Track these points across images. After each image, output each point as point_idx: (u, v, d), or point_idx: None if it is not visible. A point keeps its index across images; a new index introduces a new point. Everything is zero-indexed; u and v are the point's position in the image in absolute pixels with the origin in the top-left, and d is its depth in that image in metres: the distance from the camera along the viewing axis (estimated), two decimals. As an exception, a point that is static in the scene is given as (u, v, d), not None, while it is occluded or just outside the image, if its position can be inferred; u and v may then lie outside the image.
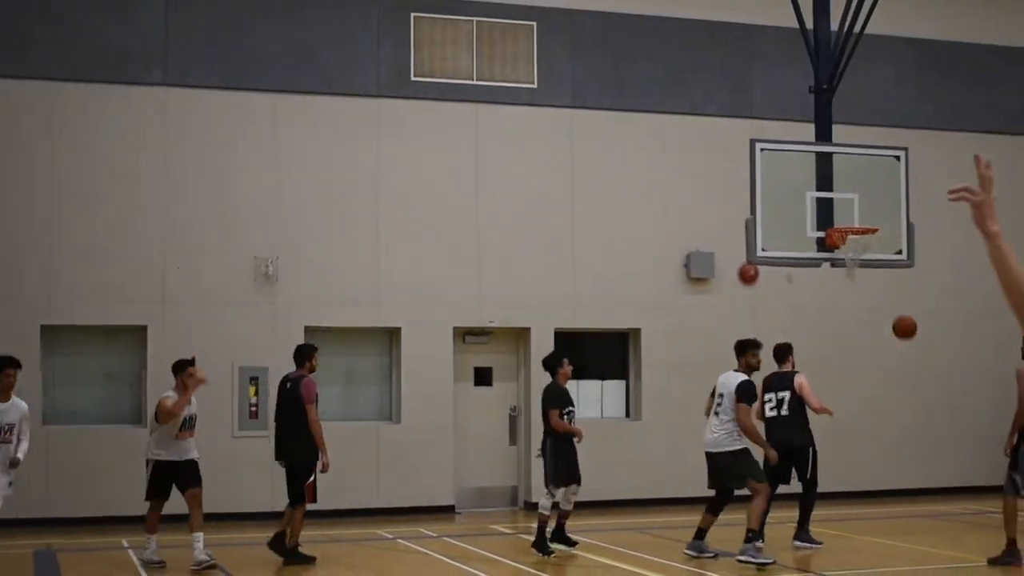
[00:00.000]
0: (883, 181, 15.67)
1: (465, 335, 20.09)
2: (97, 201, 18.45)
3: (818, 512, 15.51)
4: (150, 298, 18.48)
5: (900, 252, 15.71)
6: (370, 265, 19.40)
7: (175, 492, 14.04)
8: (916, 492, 21.30)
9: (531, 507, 15.31)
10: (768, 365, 15.50)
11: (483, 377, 20.31)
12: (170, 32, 18.90)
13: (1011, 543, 13.52)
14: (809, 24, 16.88)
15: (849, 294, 20.22)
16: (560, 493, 14.57)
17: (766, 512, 14.05)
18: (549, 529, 14.51)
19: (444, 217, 19.79)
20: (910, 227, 15.60)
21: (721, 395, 14.12)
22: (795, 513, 15.37)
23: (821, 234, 15.26)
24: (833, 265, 15.69)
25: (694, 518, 14.57)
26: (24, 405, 12.48)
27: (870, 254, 15.35)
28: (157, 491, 14.09)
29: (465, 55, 20.13)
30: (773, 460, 14.31)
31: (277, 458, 14.51)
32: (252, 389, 18.49)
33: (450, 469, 19.62)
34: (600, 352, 21.05)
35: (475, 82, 20.13)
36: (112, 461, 17.99)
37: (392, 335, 19.74)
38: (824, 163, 15.51)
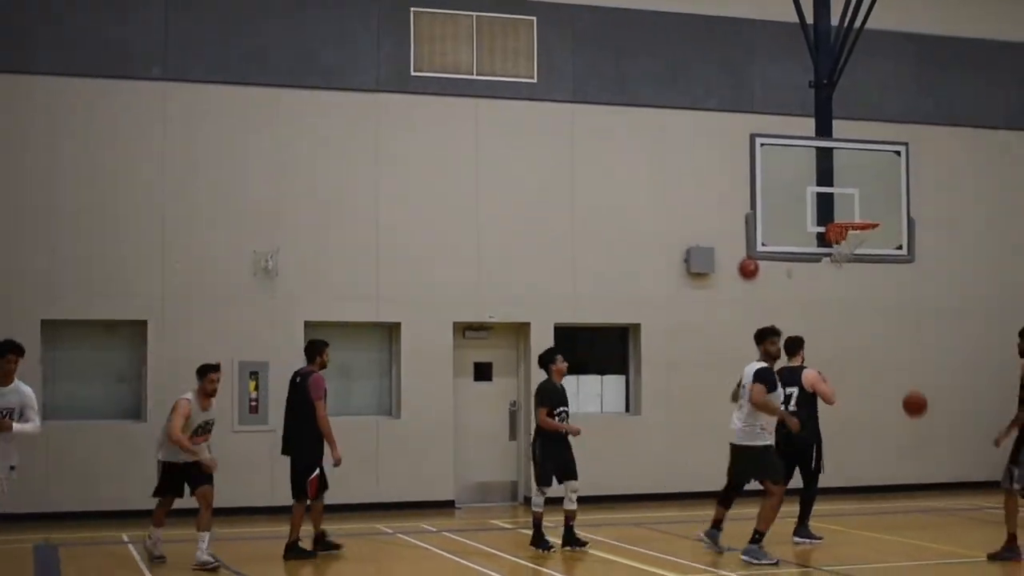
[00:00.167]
0: (883, 176, 15.67)
1: (465, 330, 20.09)
2: (97, 196, 18.45)
3: (817, 507, 15.50)
4: (150, 293, 18.49)
5: (900, 247, 15.72)
6: (370, 260, 19.40)
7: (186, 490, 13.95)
8: (915, 488, 21.31)
9: (531, 502, 15.31)
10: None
11: (483, 372, 20.31)
12: (170, 28, 18.88)
13: (1011, 539, 13.52)
14: (809, 19, 16.88)
15: (849, 289, 20.28)
16: (557, 491, 14.52)
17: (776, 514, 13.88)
18: (560, 526, 14.49)
19: (444, 212, 19.79)
20: (910, 222, 15.59)
21: (744, 386, 13.94)
22: (795, 508, 15.38)
23: (821, 229, 15.26)
24: (833, 260, 15.69)
25: (693, 513, 14.65)
26: (28, 390, 12.09)
27: (870, 249, 15.35)
28: (168, 489, 13.90)
29: (465, 50, 20.12)
30: (795, 428, 14.07)
31: (283, 452, 14.53)
32: (252, 384, 18.50)
33: (450, 464, 19.63)
34: (600, 347, 21.04)
35: (475, 77, 20.13)
36: (112, 456, 18.01)
37: (392, 330, 19.74)
38: (824, 158, 15.50)
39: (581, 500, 14.73)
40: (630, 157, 20.69)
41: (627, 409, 20.91)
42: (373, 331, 19.70)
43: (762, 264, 20.05)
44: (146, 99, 18.73)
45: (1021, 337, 13.55)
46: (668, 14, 21.06)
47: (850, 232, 14.95)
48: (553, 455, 14.53)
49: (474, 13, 20.15)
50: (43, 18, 18.39)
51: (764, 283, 20.80)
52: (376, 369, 19.79)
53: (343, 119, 19.47)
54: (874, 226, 15.23)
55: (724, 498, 14.33)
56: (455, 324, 19.83)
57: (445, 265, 19.68)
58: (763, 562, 13.35)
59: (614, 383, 20.92)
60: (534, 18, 20.39)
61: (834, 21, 16.92)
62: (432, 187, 19.78)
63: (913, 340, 21.83)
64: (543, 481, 14.55)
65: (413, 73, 19.86)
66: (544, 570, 13.57)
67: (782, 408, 14.17)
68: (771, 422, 14.17)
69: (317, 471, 14.20)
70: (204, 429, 13.69)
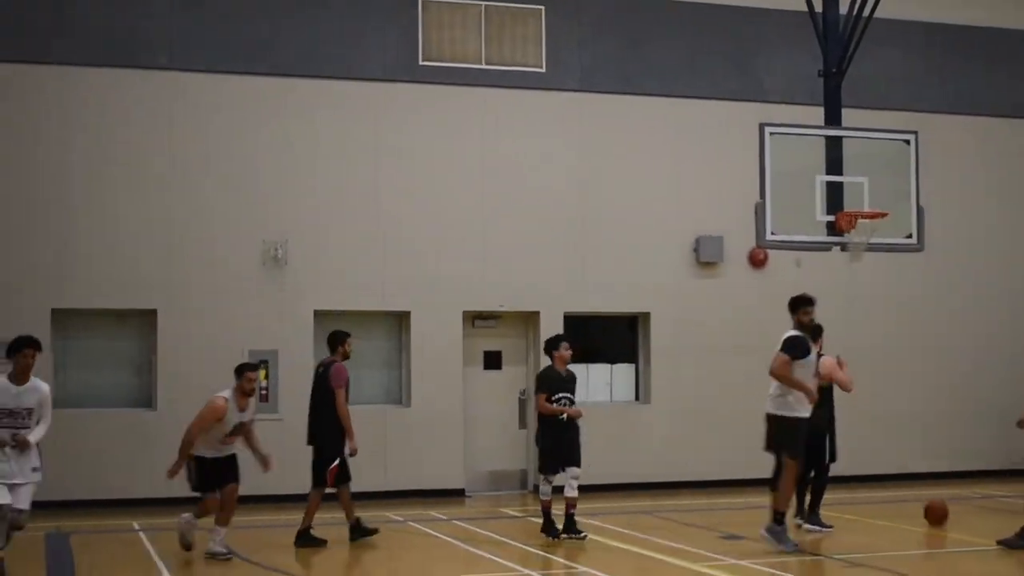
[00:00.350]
0: (893, 165, 15.67)
1: (474, 319, 20.12)
2: (107, 186, 18.49)
3: (829, 496, 15.52)
4: (160, 282, 18.53)
5: (910, 236, 15.73)
6: (379, 249, 19.42)
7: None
8: (926, 476, 21.29)
9: (539, 491, 15.34)
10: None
11: (492, 361, 20.34)
12: (178, 18, 18.90)
13: None
14: (818, 7, 16.88)
15: (858, 278, 20.28)
16: (561, 479, 14.48)
17: (794, 493, 13.72)
18: (564, 515, 14.50)
19: (453, 201, 19.81)
20: (920, 211, 15.60)
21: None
22: (806, 496, 15.40)
23: (831, 218, 15.28)
24: (843, 249, 15.69)
25: (702, 500, 14.63)
26: (45, 387, 11.80)
27: (880, 238, 15.35)
28: (209, 484, 13.46)
29: (473, 39, 20.12)
30: (810, 401, 13.36)
31: (309, 442, 14.60)
32: (262, 373, 18.52)
33: (460, 453, 19.67)
34: (609, 336, 21.06)
35: (483, 66, 20.13)
36: (122, 444, 18.09)
37: (401, 319, 19.77)
38: (834, 147, 15.52)
39: (591, 488, 14.75)
40: (639, 146, 20.69)
41: (636, 398, 20.93)
42: (382, 320, 19.72)
43: (771, 253, 20.06)
44: (154, 89, 18.76)
45: None
46: (677, 3, 21.05)
47: (859, 221, 14.93)
48: (554, 442, 14.50)
49: (482, 2, 20.15)
50: (53, 8, 18.41)
51: (773, 272, 20.80)
52: (385, 358, 19.81)
53: (351, 109, 19.49)
54: (883, 215, 15.24)
55: (774, 480, 13.99)
56: (464, 313, 19.85)
57: (454, 254, 19.70)
58: (780, 547, 13.21)
59: (623, 372, 20.94)
60: (542, 7, 20.38)
61: (843, 10, 16.92)
62: (441, 176, 19.80)
63: (923, 329, 21.81)
64: (545, 469, 14.54)
65: (421, 63, 19.87)
66: (554, 558, 13.59)
67: (804, 381, 13.39)
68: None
69: (338, 460, 14.26)
70: (239, 430, 13.43)
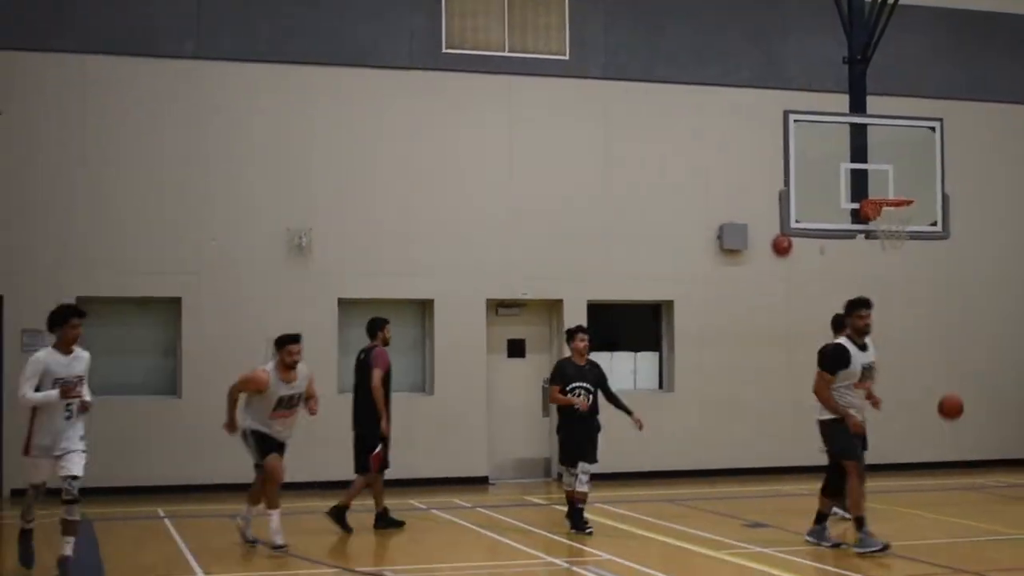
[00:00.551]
0: (918, 152, 15.61)
1: (498, 307, 20.12)
2: (131, 173, 18.54)
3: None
4: (184, 270, 18.58)
5: (935, 223, 15.66)
6: (403, 237, 19.44)
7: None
8: (951, 465, 21.22)
9: (562, 480, 15.34)
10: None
11: (516, 349, 20.35)
12: (202, 5, 18.93)
13: None
14: (843, -6, 16.79)
15: (883, 266, 20.15)
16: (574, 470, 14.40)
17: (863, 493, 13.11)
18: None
19: (477, 189, 19.81)
20: (945, 198, 15.53)
21: None
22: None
23: (855, 205, 15.23)
24: (867, 237, 15.62)
25: (726, 489, 14.62)
26: (86, 355, 11.67)
27: (904, 226, 15.29)
28: (271, 448, 13.11)
29: (497, 26, 20.10)
30: (853, 428, 12.92)
31: (354, 428, 14.73)
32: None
33: (483, 440, 19.69)
34: (633, 324, 21.05)
35: (507, 54, 20.11)
36: (147, 431, 18.16)
37: (425, 307, 19.79)
38: (858, 134, 15.46)
39: (615, 477, 14.75)
40: (663, 133, 20.65)
41: (660, 386, 20.91)
42: (406, 308, 19.74)
43: (795, 241, 19.99)
44: (178, 78, 18.80)
45: None
46: (701, -10, 21.02)
47: (889, 210, 14.86)
48: (569, 434, 14.42)
49: (506, -10, 20.16)
50: (77, -4, 18.48)
51: (797, 260, 20.76)
52: (409, 346, 19.83)
53: (375, 96, 19.50)
54: (909, 202, 15.18)
55: (825, 487, 13.57)
56: (488, 301, 19.86)
57: (478, 242, 19.71)
58: (871, 549, 12.63)
59: (647, 360, 20.92)
60: (566, -6, 20.39)
61: (868, -4, 16.83)
62: (465, 164, 19.80)
63: (947, 317, 21.74)
64: (563, 460, 14.51)
65: (445, 50, 19.86)
66: (578, 546, 13.60)
67: (836, 403, 12.91)
68: (857, 394, 13.14)
69: (380, 446, 14.37)
70: (288, 404, 13.14)
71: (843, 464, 13.04)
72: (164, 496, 17.36)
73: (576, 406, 14.22)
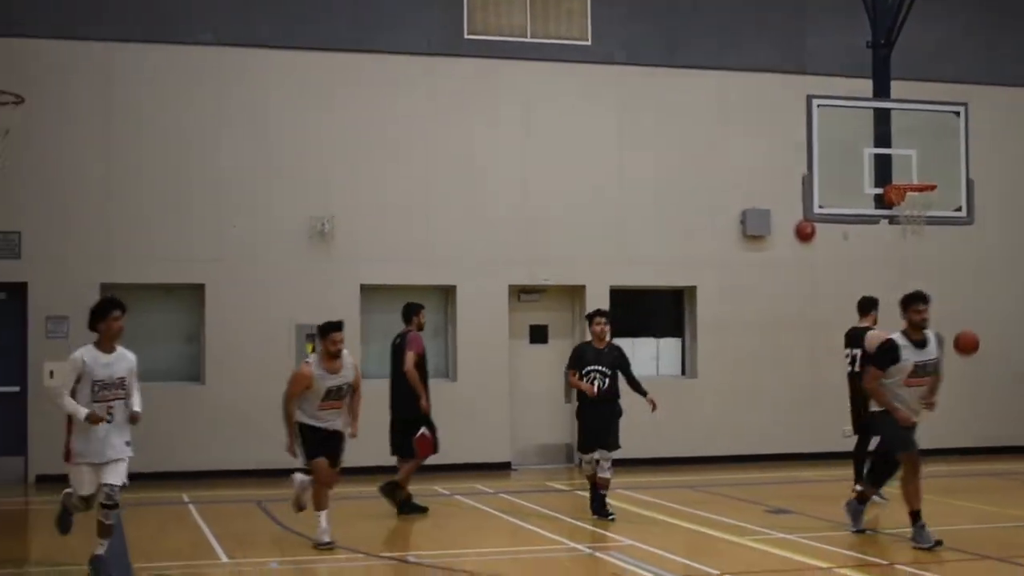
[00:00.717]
0: (942, 137, 15.54)
1: (520, 293, 20.13)
2: (154, 161, 18.60)
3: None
4: (208, 257, 18.64)
5: (959, 209, 15.60)
6: (425, 223, 19.46)
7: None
8: (975, 451, 21.15)
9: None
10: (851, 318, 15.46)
11: (538, 335, 20.36)
12: (225, -8, 18.99)
13: None
14: (867, -22, 16.72)
15: (906, 251, 20.09)
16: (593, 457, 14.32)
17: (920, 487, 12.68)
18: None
19: (499, 175, 19.80)
20: (969, 183, 15.46)
21: None
22: (849, 471, 15.36)
23: (879, 191, 15.18)
24: (891, 222, 15.57)
25: (749, 475, 14.56)
26: (132, 356, 11.05)
27: (923, 211, 15.24)
28: (314, 452, 12.63)
29: (519, 13, 20.08)
30: (902, 422, 12.52)
31: (391, 412, 14.93)
32: (309, 347, 18.56)
33: (506, 426, 19.72)
34: (656, 310, 21.03)
35: (529, 40, 20.08)
36: (171, 417, 18.18)
37: (447, 293, 19.81)
38: (882, 119, 15.41)
39: (638, 463, 14.74)
40: (685, 119, 20.60)
41: (683, 372, 20.89)
42: (429, 294, 19.73)
43: (819, 226, 19.92)
44: (200, 65, 18.84)
45: None
46: (723, -26, 20.94)
47: (912, 195, 14.80)
48: (586, 419, 14.30)
49: (528, -24, 20.13)
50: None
51: (820, 245, 20.70)
52: (432, 332, 19.79)
53: (397, 83, 19.50)
54: (932, 187, 15.12)
55: (870, 474, 13.39)
56: (510, 287, 19.87)
57: (500, 227, 19.71)
58: (924, 545, 12.30)
59: (670, 346, 20.91)
60: (588, -20, 20.34)
61: (892, -20, 16.76)
62: (486, 150, 19.79)
63: (972, 303, 21.61)
64: (581, 447, 14.44)
65: (467, 36, 19.85)
66: (600, 532, 13.60)
67: (886, 398, 12.57)
68: (911, 391, 12.71)
69: (422, 429, 14.59)
70: (336, 395, 12.62)
71: (900, 457, 12.69)
72: (188, 482, 17.44)
73: (586, 391, 14.11)
